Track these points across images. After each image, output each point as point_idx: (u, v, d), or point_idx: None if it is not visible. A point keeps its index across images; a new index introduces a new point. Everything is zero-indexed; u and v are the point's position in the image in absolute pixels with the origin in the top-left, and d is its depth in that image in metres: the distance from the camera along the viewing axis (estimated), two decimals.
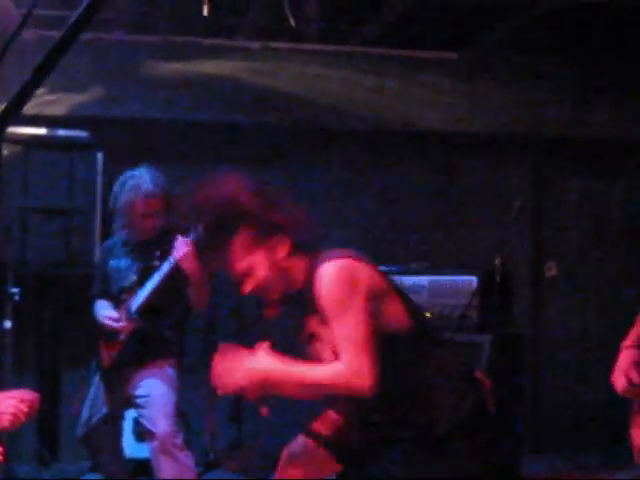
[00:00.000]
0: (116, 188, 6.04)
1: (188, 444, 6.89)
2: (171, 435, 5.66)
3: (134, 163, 7.35)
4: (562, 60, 8.32)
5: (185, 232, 5.67)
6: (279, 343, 3.79)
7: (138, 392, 5.82)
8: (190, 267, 5.66)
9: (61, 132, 7.54)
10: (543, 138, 8.66)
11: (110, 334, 5.95)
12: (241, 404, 8.30)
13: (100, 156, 7.53)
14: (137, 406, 5.86)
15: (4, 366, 6.88)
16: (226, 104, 8.01)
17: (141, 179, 5.91)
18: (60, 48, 1.43)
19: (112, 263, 6.11)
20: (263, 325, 4.25)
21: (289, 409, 8.31)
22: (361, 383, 3.39)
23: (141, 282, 5.89)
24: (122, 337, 5.90)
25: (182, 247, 5.60)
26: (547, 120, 8.45)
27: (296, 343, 4.11)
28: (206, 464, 7.71)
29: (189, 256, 5.61)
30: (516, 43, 8.10)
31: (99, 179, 7.47)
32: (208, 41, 7.99)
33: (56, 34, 1.59)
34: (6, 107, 1.37)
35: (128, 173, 6.01)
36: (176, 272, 5.71)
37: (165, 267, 5.73)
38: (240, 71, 7.99)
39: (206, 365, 7.98)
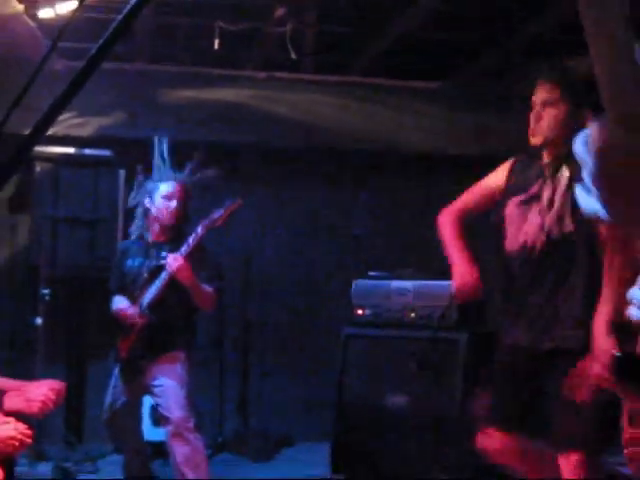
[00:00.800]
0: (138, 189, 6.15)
1: (198, 429, 6.91)
2: (184, 420, 5.69)
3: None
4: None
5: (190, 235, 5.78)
6: None
7: (154, 382, 5.84)
8: (185, 278, 5.73)
9: (87, 151, 7.58)
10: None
11: (126, 327, 5.98)
12: (246, 395, 8.33)
13: (122, 173, 7.56)
14: (153, 394, 5.89)
15: (36, 358, 6.89)
16: (235, 127, 8.02)
17: (166, 170, 6.09)
18: (82, 76, 1.42)
19: (128, 262, 6.14)
20: None
21: (289, 399, 8.34)
22: None
23: (152, 280, 5.92)
24: (136, 330, 5.92)
25: (174, 262, 5.69)
26: (515, 142, 8.44)
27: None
28: (215, 447, 7.71)
29: (182, 269, 5.68)
30: (490, 75, 8.11)
31: (121, 193, 7.50)
32: (218, 71, 8.00)
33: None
34: (34, 127, 1.36)
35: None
36: (173, 282, 5.78)
37: (163, 277, 5.80)
38: (247, 98, 8.01)
39: (215, 358, 8.06)
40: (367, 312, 6.95)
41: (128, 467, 6.35)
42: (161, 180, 6.07)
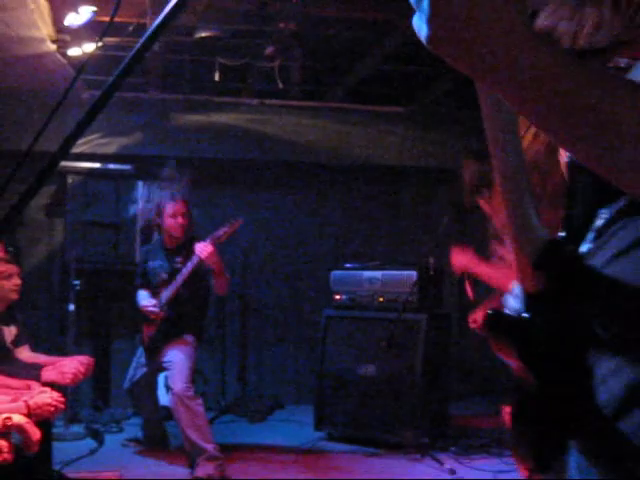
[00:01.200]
0: (153, 202, 6.19)
1: (205, 395, 6.97)
2: (184, 390, 5.73)
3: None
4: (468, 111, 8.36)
5: (199, 240, 5.80)
6: None
7: (165, 359, 5.96)
8: (213, 262, 5.75)
9: (111, 166, 7.58)
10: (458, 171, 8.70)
11: (149, 319, 6.09)
12: (245, 366, 8.35)
13: (140, 183, 7.58)
14: (165, 369, 5.97)
15: (68, 338, 6.90)
16: (233, 145, 8.03)
17: (170, 191, 6.08)
18: (100, 103, 1.44)
19: (150, 264, 6.23)
20: None
21: (281, 369, 8.36)
22: None
23: (170, 280, 6.01)
24: (156, 322, 6.03)
25: (205, 248, 5.70)
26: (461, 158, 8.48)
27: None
28: (219, 410, 7.74)
29: (212, 254, 5.69)
30: (444, 101, 8.15)
31: (139, 201, 7.52)
32: (219, 99, 7.99)
33: None
34: (62, 145, 1.39)
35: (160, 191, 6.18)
36: (199, 268, 5.82)
37: (189, 266, 5.83)
38: (243, 121, 8.00)
39: (219, 336, 8.07)
40: (343, 297, 6.99)
41: (146, 427, 6.46)
42: (166, 199, 6.09)
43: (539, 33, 0.99)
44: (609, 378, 1.22)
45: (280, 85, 7.00)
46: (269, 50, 6.57)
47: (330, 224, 8.57)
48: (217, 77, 6.85)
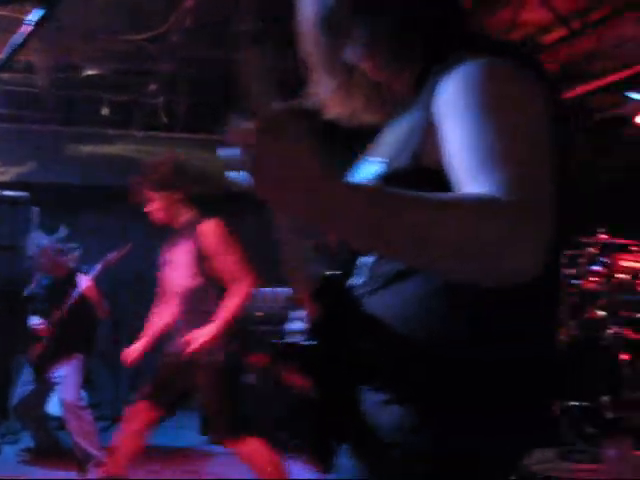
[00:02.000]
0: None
1: (100, 404, 6.89)
2: (74, 401, 5.71)
3: (60, 215, 7.27)
4: None
5: (83, 273, 6.00)
6: None
7: (55, 375, 5.90)
8: (92, 294, 5.88)
9: (7, 193, 7.42)
10: None
11: (38, 338, 6.05)
12: (139, 376, 8.25)
13: (35, 210, 7.44)
14: (56, 384, 5.91)
15: None
16: (121, 174, 7.97)
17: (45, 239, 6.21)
18: None
19: (39, 291, 6.24)
20: None
21: None
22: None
23: (53, 306, 6.03)
24: (44, 341, 5.98)
25: (85, 282, 5.91)
26: None
27: None
28: (112, 419, 7.63)
29: (91, 288, 5.84)
30: None
31: (34, 226, 7.39)
32: (109, 131, 7.94)
33: None
34: None
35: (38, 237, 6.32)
36: (82, 299, 5.86)
37: (73, 296, 5.91)
38: (131, 152, 7.96)
39: (113, 352, 7.96)
40: None
41: (35, 438, 6.39)
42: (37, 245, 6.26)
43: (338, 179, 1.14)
44: (374, 392, 1.38)
45: (164, 119, 6.99)
46: (152, 87, 6.58)
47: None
48: (105, 111, 6.81)
